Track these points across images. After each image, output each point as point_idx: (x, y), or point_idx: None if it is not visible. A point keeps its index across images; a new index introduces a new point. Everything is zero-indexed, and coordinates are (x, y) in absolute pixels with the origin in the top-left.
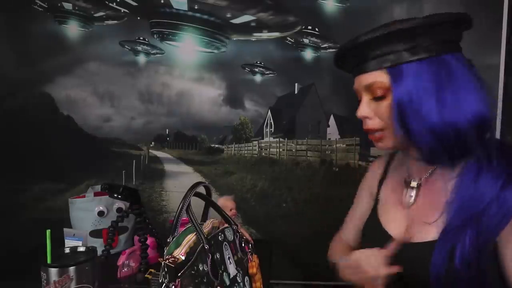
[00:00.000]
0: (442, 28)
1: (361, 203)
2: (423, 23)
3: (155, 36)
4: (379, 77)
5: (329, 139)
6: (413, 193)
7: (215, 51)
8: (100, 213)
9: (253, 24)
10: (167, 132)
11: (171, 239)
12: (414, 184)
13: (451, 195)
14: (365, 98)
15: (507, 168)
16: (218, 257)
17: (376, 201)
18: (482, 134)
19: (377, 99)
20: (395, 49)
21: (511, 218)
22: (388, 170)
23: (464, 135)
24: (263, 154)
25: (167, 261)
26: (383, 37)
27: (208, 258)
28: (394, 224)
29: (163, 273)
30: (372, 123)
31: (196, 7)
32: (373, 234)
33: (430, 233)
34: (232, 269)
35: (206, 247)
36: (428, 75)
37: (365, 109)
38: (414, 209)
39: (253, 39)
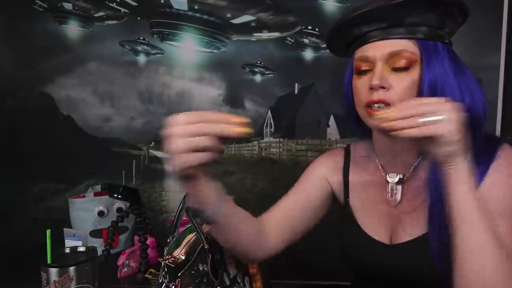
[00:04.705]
0: (461, 18)
1: (306, 191)
2: (459, 5)
3: (155, 36)
4: (408, 46)
5: (329, 139)
6: (399, 189)
7: (215, 51)
8: (100, 213)
9: (253, 24)
10: None
11: (171, 239)
12: (398, 179)
13: (428, 175)
14: (381, 67)
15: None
16: (218, 257)
17: (346, 204)
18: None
19: (398, 70)
20: (429, 23)
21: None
22: (349, 171)
23: (479, 125)
24: (263, 154)
25: (167, 261)
26: (432, 3)
27: (208, 258)
28: (379, 227)
29: (163, 273)
30: (387, 95)
31: (196, 7)
32: (357, 242)
33: (420, 225)
34: (232, 269)
35: (206, 247)
36: (448, 60)
37: (383, 76)
38: (401, 206)
39: (253, 39)
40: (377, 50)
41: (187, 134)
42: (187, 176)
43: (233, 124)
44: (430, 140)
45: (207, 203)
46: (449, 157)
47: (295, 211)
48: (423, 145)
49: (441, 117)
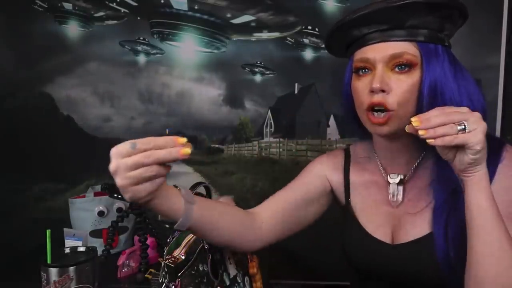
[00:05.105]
0: (460, 21)
1: (304, 186)
2: (459, 7)
3: (155, 36)
4: (409, 49)
5: (329, 139)
6: (401, 190)
7: (215, 51)
8: (100, 213)
9: (253, 24)
10: (167, 132)
11: (171, 239)
12: (399, 180)
13: (433, 175)
14: (382, 69)
15: None
16: (218, 257)
17: (347, 204)
18: None
19: (399, 72)
20: (429, 26)
21: None
22: (349, 171)
23: None
24: (263, 154)
25: (167, 261)
26: (432, 5)
27: (208, 258)
28: (381, 227)
29: (163, 273)
30: (386, 98)
31: (196, 7)
32: (359, 241)
33: (423, 226)
34: (232, 269)
35: (206, 247)
36: (448, 63)
37: (383, 79)
38: (402, 206)
39: (253, 39)
40: (378, 52)
41: (128, 169)
42: (145, 201)
43: (179, 146)
44: (458, 148)
45: (175, 211)
46: (472, 165)
47: (290, 204)
48: (446, 153)
49: (472, 126)
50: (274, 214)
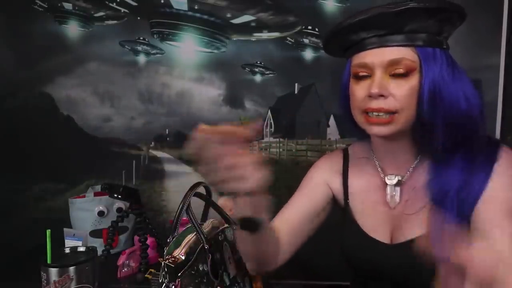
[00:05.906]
0: (459, 22)
1: (308, 199)
2: (458, 10)
3: (155, 36)
4: (407, 54)
5: (329, 139)
6: (398, 191)
7: (215, 51)
8: (100, 213)
9: (253, 24)
10: (167, 132)
11: (171, 239)
12: (396, 181)
13: (430, 175)
14: (381, 75)
15: (474, 156)
16: (218, 257)
17: (346, 206)
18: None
19: (397, 77)
20: (429, 29)
21: (477, 202)
22: (348, 172)
23: (476, 130)
24: (263, 154)
25: (167, 261)
26: (432, 10)
27: (208, 258)
28: (379, 228)
29: (163, 273)
30: (386, 103)
31: (196, 7)
32: (358, 242)
33: (421, 226)
34: (232, 269)
35: (206, 247)
36: (446, 66)
37: (382, 84)
38: (400, 207)
39: (253, 39)
40: (376, 57)
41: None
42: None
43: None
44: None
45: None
46: None
47: (300, 220)
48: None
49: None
50: (285, 236)
